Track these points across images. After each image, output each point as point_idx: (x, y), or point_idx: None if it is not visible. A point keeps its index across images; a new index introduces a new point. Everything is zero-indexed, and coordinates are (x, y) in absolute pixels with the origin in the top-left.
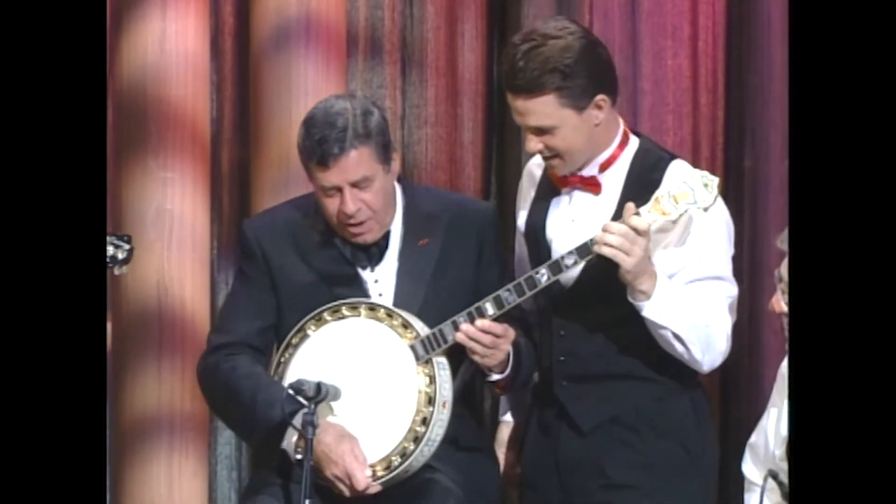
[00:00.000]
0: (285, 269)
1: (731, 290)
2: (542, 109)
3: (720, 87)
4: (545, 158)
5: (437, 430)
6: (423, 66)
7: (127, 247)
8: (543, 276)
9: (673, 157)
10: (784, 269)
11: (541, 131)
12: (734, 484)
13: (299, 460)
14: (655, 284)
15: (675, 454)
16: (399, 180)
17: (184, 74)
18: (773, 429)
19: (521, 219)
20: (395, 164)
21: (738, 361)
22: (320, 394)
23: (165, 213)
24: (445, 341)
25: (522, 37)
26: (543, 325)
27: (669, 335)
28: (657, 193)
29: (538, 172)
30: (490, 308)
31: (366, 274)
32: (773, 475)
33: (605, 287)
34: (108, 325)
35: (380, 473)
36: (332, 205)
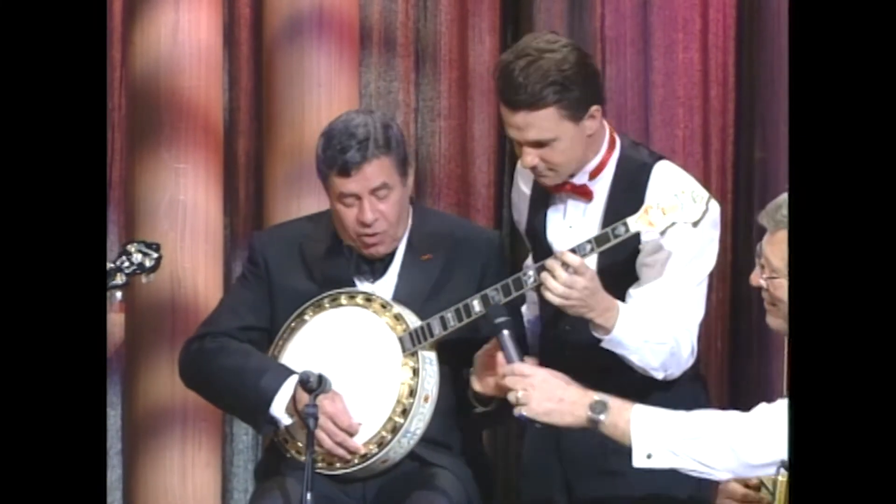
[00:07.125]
0: (287, 278)
1: (704, 288)
2: (542, 123)
3: (731, 79)
4: (537, 173)
5: (417, 423)
6: (437, 60)
7: (155, 255)
8: (530, 277)
9: (658, 158)
10: (765, 244)
11: (539, 144)
12: None
13: (287, 427)
14: (615, 319)
15: None
16: (411, 201)
17: (197, 65)
18: None
19: (522, 221)
20: (410, 179)
21: (748, 349)
22: (321, 385)
23: (178, 204)
24: (432, 335)
25: (516, 53)
26: (551, 320)
27: (627, 357)
28: (647, 203)
29: (530, 175)
30: (477, 305)
31: (364, 286)
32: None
33: (610, 285)
34: (122, 317)
35: (356, 461)
36: (348, 214)
